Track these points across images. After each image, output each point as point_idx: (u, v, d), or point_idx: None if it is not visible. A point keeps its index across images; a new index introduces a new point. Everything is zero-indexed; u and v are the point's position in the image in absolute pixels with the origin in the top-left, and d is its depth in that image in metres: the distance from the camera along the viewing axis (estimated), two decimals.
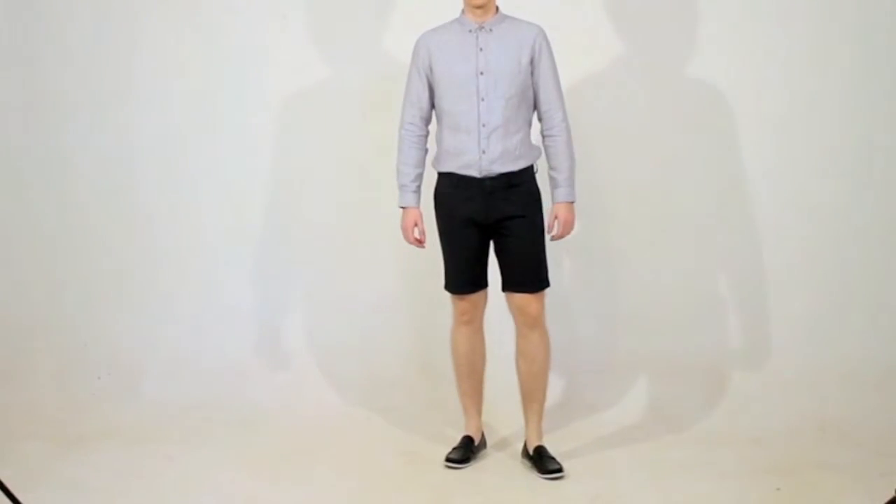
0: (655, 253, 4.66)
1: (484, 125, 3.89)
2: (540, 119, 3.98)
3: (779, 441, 4.19)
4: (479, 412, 4.19)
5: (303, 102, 4.76)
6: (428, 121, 4.04)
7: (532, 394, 4.07)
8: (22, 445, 4.23)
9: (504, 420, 4.38)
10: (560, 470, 3.93)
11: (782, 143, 4.57)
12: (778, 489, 3.76)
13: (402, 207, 4.04)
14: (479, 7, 3.90)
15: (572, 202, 3.96)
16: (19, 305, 4.86)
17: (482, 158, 3.90)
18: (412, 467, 4.03)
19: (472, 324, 4.10)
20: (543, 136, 3.98)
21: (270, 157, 4.80)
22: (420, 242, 4.05)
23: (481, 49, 3.90)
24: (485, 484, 3.88)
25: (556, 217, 3.95)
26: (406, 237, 4.05)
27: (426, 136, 4.05)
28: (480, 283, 4.06)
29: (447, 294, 4.09)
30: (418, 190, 4.05)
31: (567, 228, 3.97)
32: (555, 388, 4.50)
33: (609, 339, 4.68)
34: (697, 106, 4.59)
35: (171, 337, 4.82)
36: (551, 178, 3.96)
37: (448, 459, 4.05)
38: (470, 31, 3.93)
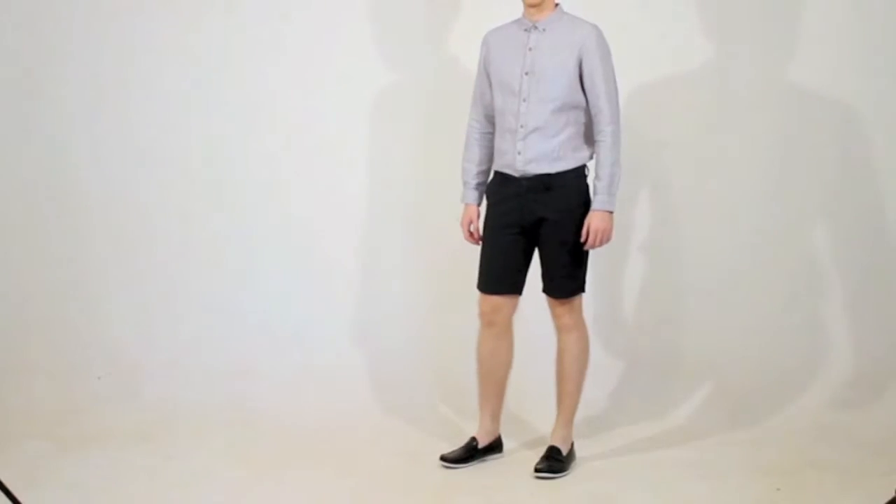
0: (656, 255, 4.67)
1: (522, 126, 3.87)
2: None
3: (779, 441, 4.19)
4: (492, 416, 4.12)
5: (312, 102, 4.77)
6: (493, 119, 4.03)
7: (560, 394, 4.06)
8: (21, 445, 4.22)
9: (508, 421, 4.37)
10: (547, 471, 3.91)
11: (779, 142, 4.59)
12: (778, 489, 3.75)
13: (464, 204, 4.07)
14: (532, 6, 3.87)
15: (609, 212, 3.87)
16: (19, 305, 4.85)
17: (517, 159, 3.89)
18: (414, 467, 4.02)
19: (494, 327, 4.03)
20: (594, 141, 3.93)
21: (268, 158, 4.80)
22: (473, 237, 4.05)
23: (530, 49, 3.88)
24: (485, 484, 3.87)
25: (587, 225, 3.88)
26: (463, 233, 4.07)
27: (492, 133, 4.04)
28: (506, 287, 3.99)
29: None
30: (478, 188, 4.06)
31: (599, 238, 3.87)
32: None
33: (609, 338, 4.67)
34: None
35: (172, 337, 4.81)
36: (593, 185, 3.91)
37: (442, 457, 4.03)
38: (525, 29, 3.92)
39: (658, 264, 4.67)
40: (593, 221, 3.87)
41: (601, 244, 3.91)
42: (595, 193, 3.89)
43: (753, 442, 4.19)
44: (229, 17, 4.74)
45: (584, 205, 3.92)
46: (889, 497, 3.32)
